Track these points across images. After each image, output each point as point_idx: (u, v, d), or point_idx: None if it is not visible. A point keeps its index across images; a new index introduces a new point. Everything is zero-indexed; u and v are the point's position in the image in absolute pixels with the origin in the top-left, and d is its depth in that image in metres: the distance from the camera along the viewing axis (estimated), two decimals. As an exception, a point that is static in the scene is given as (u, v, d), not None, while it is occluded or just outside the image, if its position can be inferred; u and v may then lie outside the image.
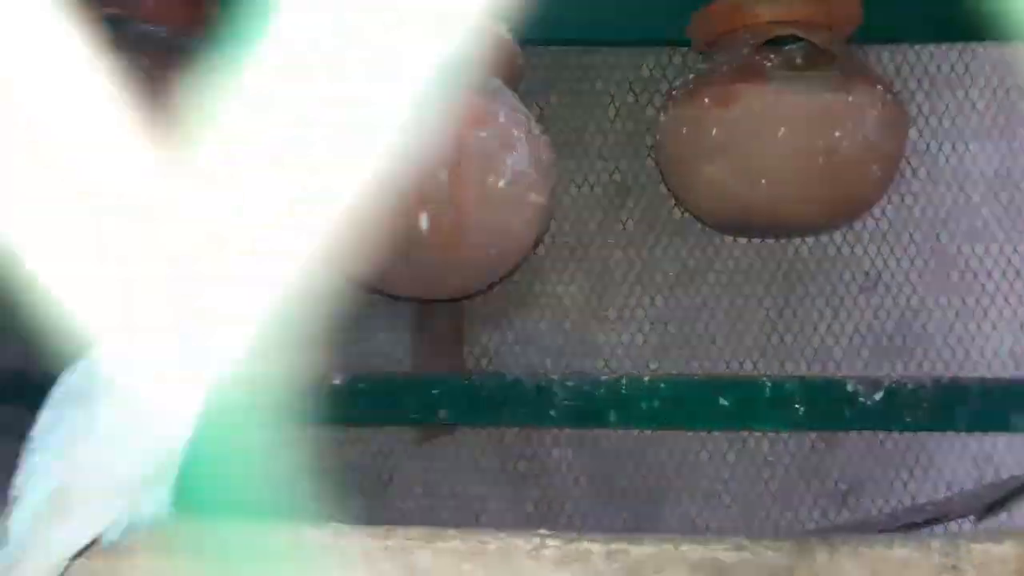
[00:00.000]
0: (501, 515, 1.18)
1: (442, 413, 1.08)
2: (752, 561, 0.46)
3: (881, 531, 1.00)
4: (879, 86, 0.89)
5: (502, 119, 0.85)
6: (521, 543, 0.48)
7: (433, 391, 1.02)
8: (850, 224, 1.14)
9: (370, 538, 0.49)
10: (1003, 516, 1.11)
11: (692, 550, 0.46)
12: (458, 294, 1.04)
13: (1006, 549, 0.43)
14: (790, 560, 0.45)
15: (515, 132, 0.86)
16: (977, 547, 0.43)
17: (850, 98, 0.87)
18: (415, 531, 0.49)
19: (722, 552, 0.46)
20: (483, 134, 0.84)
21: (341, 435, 1.18)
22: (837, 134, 0.86)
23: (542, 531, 0.49)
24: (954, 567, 0.43)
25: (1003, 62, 1.17)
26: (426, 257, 0.87)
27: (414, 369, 1.14)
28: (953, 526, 1.12)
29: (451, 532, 0.49)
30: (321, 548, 0.49)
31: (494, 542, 0.48)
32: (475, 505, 1.18)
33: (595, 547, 0.47)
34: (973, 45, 1.16)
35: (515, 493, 1.18)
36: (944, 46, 1.16)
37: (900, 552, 0.44)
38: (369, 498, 1.18)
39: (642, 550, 0.47)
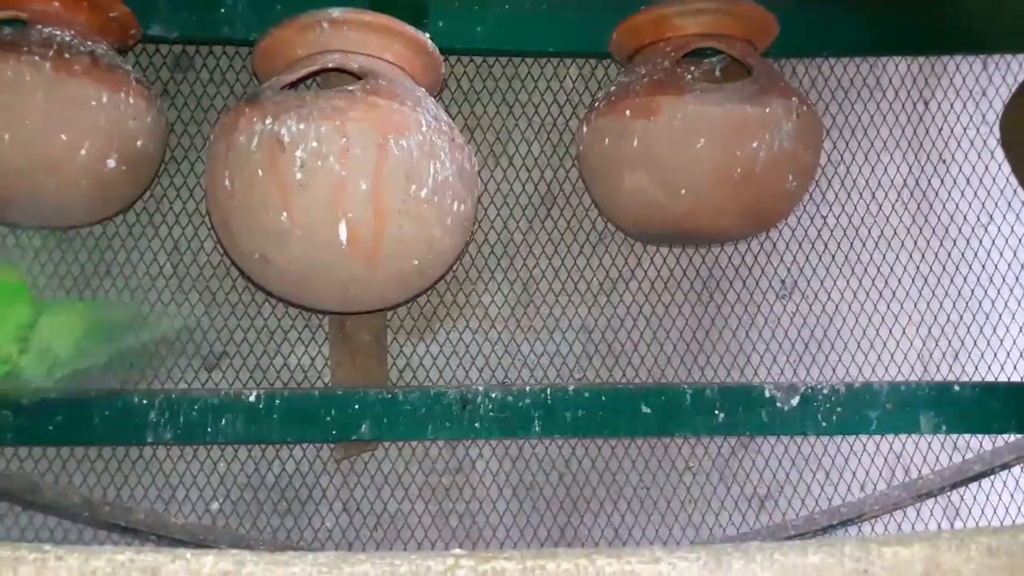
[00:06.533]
0: (424, 531, 1.15)
1: (364, 428, 1.05)
2: (668, 573, 0.45)
3: (798, 535, 1.02)
4: (795, 98, 0.91)
5: (424, 128, 0.83)
6: (434, 564, 0.46)
7: (354, 406, 0.99)
8: (767, 233, 1.17)
9: (273, 566, 0.46)
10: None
11: (608, 564, 0.45)
12: (380, 306, 1.01)
13: (914, 551, 0.44)
14: (706, 570, 0.45)
15: (438, 141, 0.84)
16: (887, 550, 0.44)
17: (767, 110, 0.88)
18: (323, 556, 0.47)
19: (638, 564, 0.45)
20: (405, 143, 0.81)
21: (258, 453, 1.13)
22: (754, 145, 0.88)
23: (456, 551, 0.47)
24: (865, 571, 0.44)
25: (912, 75, 1.22)
26: (347, 269, 0.84)
27: (335, 382, 1.10)
28: (867, 527, 1.15)
29: (360, 556, 0.47)
30: (223, 576, 0.46)
31: (405, 565, 0.46)
32: (398, 521, 1.15)
33: (510, 565, 0.46)
34: (884, 59, 1.21)
35: (439, 508, 1.16)
36: (856, 59, 1.20)
37: (814, 558, 0.44)
38: (288, 517, 1.14)
39: (558, 566, 0.45)
